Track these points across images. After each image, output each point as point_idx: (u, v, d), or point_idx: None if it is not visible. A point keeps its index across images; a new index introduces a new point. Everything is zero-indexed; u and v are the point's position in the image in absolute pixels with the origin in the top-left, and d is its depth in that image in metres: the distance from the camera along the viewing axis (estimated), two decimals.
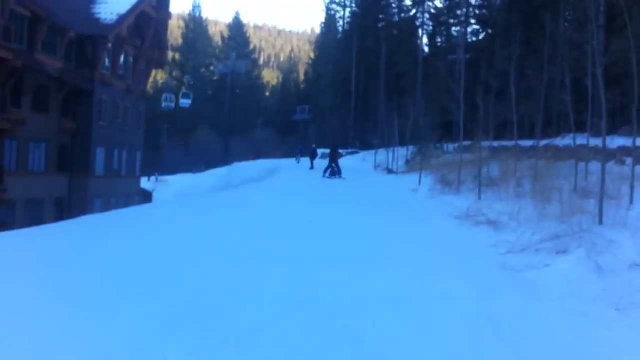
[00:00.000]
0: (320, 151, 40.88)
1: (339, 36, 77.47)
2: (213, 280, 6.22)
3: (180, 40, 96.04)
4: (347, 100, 64.93)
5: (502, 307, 5.75)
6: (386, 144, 39.68)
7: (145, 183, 52.72)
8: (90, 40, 33.13)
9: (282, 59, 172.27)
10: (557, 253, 7.96)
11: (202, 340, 4.29)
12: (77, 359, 3.85)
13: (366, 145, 52.84)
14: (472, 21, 54.01)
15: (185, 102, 69.16)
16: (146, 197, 41.05)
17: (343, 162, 29.10)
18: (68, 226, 10.22)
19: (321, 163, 34.05)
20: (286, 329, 4.62)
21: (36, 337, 4.17)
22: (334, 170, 27.20)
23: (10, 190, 26.44)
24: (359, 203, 16.91)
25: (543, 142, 23.29)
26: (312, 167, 35.03)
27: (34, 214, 28.16)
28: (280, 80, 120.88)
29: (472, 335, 4.77)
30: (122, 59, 37.54)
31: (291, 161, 46.73)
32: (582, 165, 15.56)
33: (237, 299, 5.51)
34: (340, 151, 31.92)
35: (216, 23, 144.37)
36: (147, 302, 5.22)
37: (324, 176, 26.97)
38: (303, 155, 46.43)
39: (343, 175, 27.05)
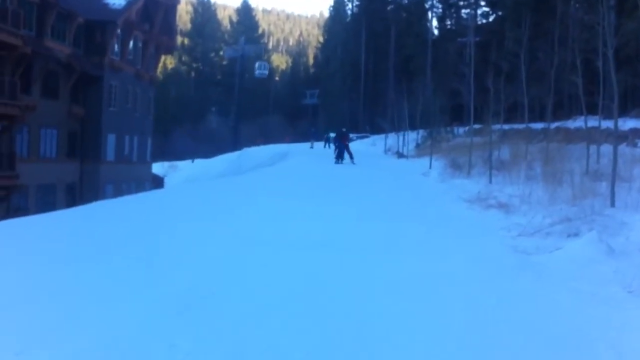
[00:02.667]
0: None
1: (348, 19, 77.32)
2: (221, 265, 6.25)
3: (188, 25, 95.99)
4: (357, 84, 64.76)
5: (512, 289, 5.76)
6: (396, 127, 39.60)
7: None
8: (99, 25, 33.14)
9: (291, 43, 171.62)
10: (569, 236, 7.95)
11: (210, 324, 4.31)
12: (86, 342, 3.89)
13: (376, 129, 52.67)
14: (482, 3, 53.64)
15: (262, 73, 72.55)
16: (157, 182, 41.22)
17: (353, 146, 28.77)
18: (83, 212, 10.28)
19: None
20: (292, 314, 4.63)
21: (43, 322, 4.21)
22: (340, 154, 26.59)
23: (22, 176, 26.70)
24: (370, 187, 16.90)
25: (554, 125, 23.22)
26: (341, 159, 26.62)
27: (46, 200, 28.41)
28: (289, 64, 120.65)
29: (482, 318, 4.79)
30: (131, 44, 37.48)
31: (301, 146, 46.47)
32: (593, 147, 15.51)
33: (245, 283, 5.53)
34: (350, 135, 31.41)
35: (225, 7, 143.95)
36: (153, 287, 5.25)
37: (336, 163, 26.41)
38: (317, 139, 45.91)
39: (354, 160, 26.45)
